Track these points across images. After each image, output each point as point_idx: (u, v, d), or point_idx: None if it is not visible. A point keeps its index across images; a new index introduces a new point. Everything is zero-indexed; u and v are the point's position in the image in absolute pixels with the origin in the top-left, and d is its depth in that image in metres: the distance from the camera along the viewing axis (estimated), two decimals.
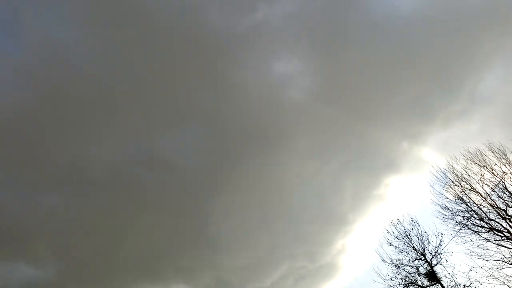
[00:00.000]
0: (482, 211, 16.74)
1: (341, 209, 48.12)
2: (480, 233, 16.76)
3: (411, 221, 18.73)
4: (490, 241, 16.48)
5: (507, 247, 16.10)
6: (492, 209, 16.50)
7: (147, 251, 44.86)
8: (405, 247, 18.32)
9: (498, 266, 16.20)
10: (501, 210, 16.27)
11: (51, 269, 41.82)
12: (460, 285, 16.72)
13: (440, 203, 18.14)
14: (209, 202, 47.02)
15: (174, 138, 47.62)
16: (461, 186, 17.55)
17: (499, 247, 16.28)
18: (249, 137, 46.16)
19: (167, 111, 46.30)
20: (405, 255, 18.21)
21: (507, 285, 15.88)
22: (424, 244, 17.96)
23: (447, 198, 17.96)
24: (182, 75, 44.77)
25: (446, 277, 17.14)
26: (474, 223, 16.91)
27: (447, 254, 17.46)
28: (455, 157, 17.99)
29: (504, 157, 16.37)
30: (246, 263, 46.40)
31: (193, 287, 46.29)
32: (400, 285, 17.74)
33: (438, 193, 18.33)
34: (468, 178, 17.43)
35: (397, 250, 18.44)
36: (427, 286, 17.39)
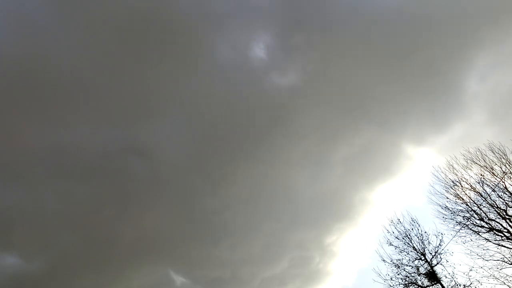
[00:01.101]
0: (482, 211, 16.78)
1: (344, 204, 48.02)
2: (480, 233, 16.80)
3: (411, 221, 18.77)
4: (490, 241, 16.53)
5: (507, 247, 16.13)
6: (492, 209, 16.54)
7: (140, 242, 44.45)
8: (405, 247, 18.35)
9: (498, 266, 16.25)
10: (501, 210, 16.30)
11: (39, 261, 41.32)
12: (460, 285, 16.72)
13: (440, 203, 18.22)
14: (205, 193, 46.54)
15: (159, 126, 45.77)
16: (461, 186, 17.60)
17: (499, 247, 16.33)
18: (238, 125, 45.11)
19: (148, 99, 44.50)
20: (405, 255, 18.24)
21: (507, 285, 15.89)
22: (424, 244, 17.98)
23: (447, 198, 18.00)
24: (162, 62, 43.40)
25: (446, 277, 17.16)
26: (474, 223, 16.95)
27: (447, 254, 17.48)
28: (455, 157, 18.06)
29: (504, 157, 16.42)
30: (242, 256, 46.41)
31: (191, 278, 46.17)
32: (400, 285, 17.74)
33: (438, 193, 18.39)
34: (468, 178, 17.49)
35: (397, 250, 18.47)
36: (427, 286, 17.38)
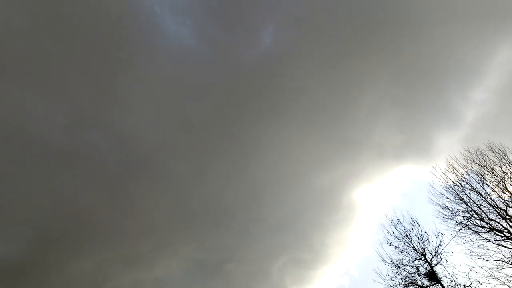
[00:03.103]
0: (482, 211, 16.78)
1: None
2: (480, 233, 16.82)
3: (411, 221, 18.76)
4: (490, 241, 16.55)
5: (507, 247, 16.14)
6: (492, 209, 16.54)
7: (120, 226, 43.92)
8: (405, 247, 18.33)
9: (498, 266, 16.26)
10: (501, 210, 16.31)
11: (18, 246, 40.32)
12: (460, 285, 16.70)
13: (440, 203, 18.21)
14: (188, 177, 46.14)
15: (127, 108, 44.68)
16: (461, 186, 17.60)
17: (499, 247, 16.34)
18: (216, 108, 44.48)
19: (112, 80, 42.80)
20: (405, 255, 18.21)
21: (507, 285, 15.88)
22: (424, 244, 17.96)
23: (447, 198, 18.00)
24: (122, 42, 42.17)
25: (446, 277, 17.13)
26: (474, 223, 16.95)
27: (447, 254, 17.45)
28: (455, 157, 18.07)
29: (504, 157, 16.43)
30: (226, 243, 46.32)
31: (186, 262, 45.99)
32: (400, 285, 17.70)
33: (438, 193, 18.39)
34: (468, 178, 17.50)
35: (397, 250, 18.45)
36: (427, 286, 17.35)
